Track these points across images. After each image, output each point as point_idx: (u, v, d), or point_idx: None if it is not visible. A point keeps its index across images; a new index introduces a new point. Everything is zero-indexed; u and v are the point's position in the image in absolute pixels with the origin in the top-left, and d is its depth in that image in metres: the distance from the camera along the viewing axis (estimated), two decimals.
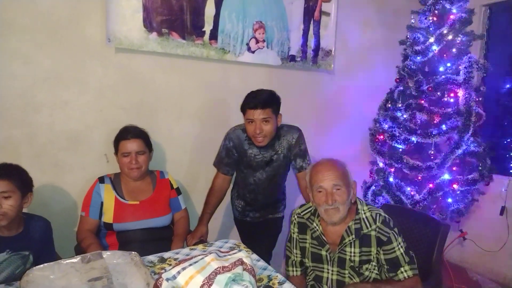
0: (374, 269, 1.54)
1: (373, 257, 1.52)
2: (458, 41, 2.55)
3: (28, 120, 1.94)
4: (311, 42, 2.76)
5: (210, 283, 1.00)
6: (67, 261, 1.25)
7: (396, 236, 1.51)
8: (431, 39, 2.60)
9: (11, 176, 1.53)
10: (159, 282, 1.04)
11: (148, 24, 2.13)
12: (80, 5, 1.98)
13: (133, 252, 1.33)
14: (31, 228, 1.62)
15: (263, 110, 1.90)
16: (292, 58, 2.69)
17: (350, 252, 1.53)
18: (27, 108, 1.93)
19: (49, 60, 1.95)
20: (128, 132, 1.90)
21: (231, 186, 2.29)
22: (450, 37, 2.54)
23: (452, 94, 2.54)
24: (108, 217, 1.83)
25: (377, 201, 2.77)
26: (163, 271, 1.10)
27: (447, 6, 2.55)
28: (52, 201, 2.00)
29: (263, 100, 1.91)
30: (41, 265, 1.21)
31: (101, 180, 1.91)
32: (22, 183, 1.57)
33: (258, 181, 2.11)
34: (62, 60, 1.98)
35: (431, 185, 2.56)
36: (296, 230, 1.68)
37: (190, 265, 1.05)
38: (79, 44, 2.01)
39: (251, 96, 1.96)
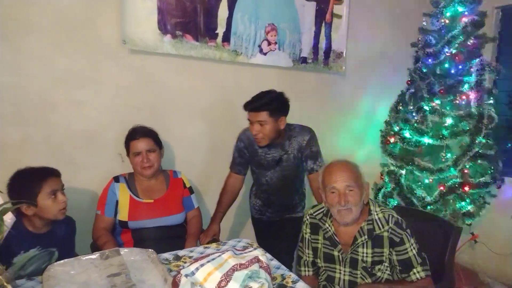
0: (386, 270, 1.55)
1: (386, 258, 1.53)
2: (470, 44, 2.55)
3: (45, 119, 1.98)
4: (323, 44, 2.78)
5: (228, 279, 1.02)
6: (87, 257, 1.28)
7: (409, 237, 1.52)
8: (443, 42, 2.60)
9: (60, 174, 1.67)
10: (178, 278, 1.06)
11: (163, 26, 2.16)
12: (97, 7, 2.02)
13: (149, 250, 1.36)
14: (59, 226, 1.69)
15: (257, 113, 1.94)
16: (304, 60, 2.71)
17: (363, 253, 1.54)
18: (44, 107, 1.97)
19: (65, 61, 1.99)
20: (137, 132, 1.94)
21: (250, 184, 2.32)
22: (462, 39, 2.54)
23: (464, 97, 2.54)
24: (123, 215, 1.87)
25: (388, 203, 2.77)
26: (180, 267, 1.12)
27: (459, 8, 2.55)
28: (68, 199, 2.03)
29: (259, 104, 1.94)
30: (62, 261, 1.24)
31: (116, 179, 1.95)
32: None
33: (270, 181, 2.13)
34: (78, 61, 2.02)
35: (442, 188, 2.55)
36: (308, 230, 1.69)
37: (208, 262, 1.08)
38: (95, 45, 2.05)
39: (253, 98, 1.99)
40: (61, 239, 1.68)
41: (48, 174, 1.61)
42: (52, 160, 1.90)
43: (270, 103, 1.96)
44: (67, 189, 1.71)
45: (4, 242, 1.11)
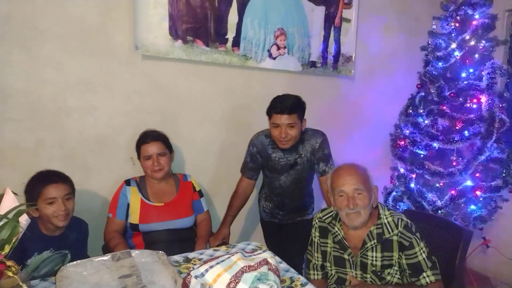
0: (396, 274, 1.54)
1: (395, 262, 1.53)
2: (480, 47, 2.54)
3: (59, 124, 2.03)
4: (332, 48, 2.79)
5: (237, 281, 1.04)
6: (99, 258, 1.31)
7: (418, 241, 1.51)
8: (453, 45, 2.59)
9: (68, 180, 1.69)
10: (188, 280, 1.08)
11: (174, 32, 2.20)
12: (110, 14, 2.07)
13: (160, 252, 1.38)
14: (73, 229, 1.73)
15: (289, 115, 1.93)
16: (313, 64, 2.73)
17: (372, 257, 1.54)
18: (59, 112, 2.02)
19: (79, 67, 2.04)
20: (148, 136, 1.97)
21: (259, 187, 2.33)
22: (472, 42, 2.54)
23: (474, 100, 2.52)
24: (134, 218, 1.89)
25: (398, 207, 2.76)
26: (190, 269, 1.14)
27: (470, 11, 2.54)
28: (81, 202, 2.07)
29: (289, 106, 1.94)
30: (75, 262, 1.27)
31: (128, 182, 1.98)
32: (73, 187, 1.72)
33: (284, 184, 2.14)
34: (92, 67, 2.06)
35: (453, 192, 2.54)
36: (317, 234, 1.69)
37: (218, 263, 1.09)
38: (108, 51, 2.09)
39: (278, 101, 1.99)
40: (74, 242, 1.72)
41: (49, 181, 1.62)
42: (65, 164, 1.95)
43: (299, 105, 1.99)
44: (79, 192, 1.75)
45: (19, 244, 1.14)
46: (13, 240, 1.02)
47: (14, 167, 1.93)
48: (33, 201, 1.57)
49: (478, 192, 2.49)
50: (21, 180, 1.66)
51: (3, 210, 1.05)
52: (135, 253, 1.36)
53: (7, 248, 1.00)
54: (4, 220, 1.02)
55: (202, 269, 1.09)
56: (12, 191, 1.17)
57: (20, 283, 1.00)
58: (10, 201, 1.12)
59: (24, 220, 1.14)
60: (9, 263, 1.00)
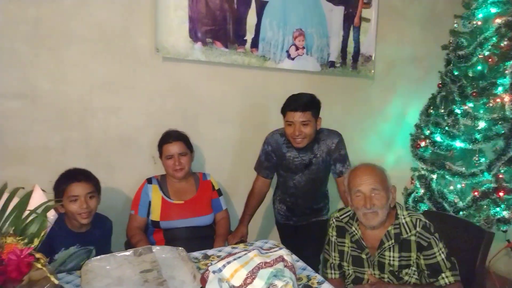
0: (413, 274, 1.53)
1: (413, 262, 1.52)
2: (504, 45, 2.48)
3: (85, 123, 2.10)
4: (351, 48, 2.79)
5: (253, 276, 1.07)
6: (121, 254, 1.36)
7: (437, 241, 1.50)
8: (475, 44, 2.54)
9: (92, 179, 1.75)
10: (206, 274, 1.12)
11: (194, 34, 2.24)
12: (132, 18, 2.13)
13: (180, 248, 1.42)
14: (98, 226, 1.79)
15: (303, 113, 1.94)
16: (332, 64, 2.73)
17: (389, 257, 1.54)
18: (84, 112, 2.09)
19: (103, 69, 2.11)
20: (170, 136, 2.02)
21: (273, 189, 2.34)
22: (495, 41, 2.48)
23: (498, 100, 2.47)
24: (155, 216, 1.95)
25: (418, 208, 2.72)
26: (208, 264, 1.18)
27: (492, 9, 2.49)
28: (104, 199, 2.13)
29: (303, 103, 1.95)
30: (99, 257, 1.32)
31: (149, 181, 2.04)
32: (98, 185, 1.78)
33: (298, 184, 2.13)
34: (115, 68, 2.13)
35: (475, 193, 2.49)
36: (334, 233, 1.70)
37: (235, 259, 1.12)
38: (130, 53, 2.15)
39: (292, 98, 2.01)
40: (98, 238, 1.78)
41: (73, 179, 1.69)
42: (90, 163, 2.02)
43: (313, 103, 1.99)
44: (103, 189, 1.81)
45: (48, 240, 1.19)
46: (42, 234, 1.07)
47: (42, 165, 2.01)
48: (59, 198, 1.64)
49: (501, 194, 2.44)
50: (48, 178, 1.73)
51: (32, 205, 1.11)
52: (156, 249, 1.40)
53: (36, 241, 1.05)
54: (34, 215, 1.08)
55: (220, 264, 1.12)
56: (41, 188, 1.23)
57: (48, 275, 1.05)
58: (39, 197, 1.18)
59: (51, 215, 1.20)
60: (38, 255, 1.05)
